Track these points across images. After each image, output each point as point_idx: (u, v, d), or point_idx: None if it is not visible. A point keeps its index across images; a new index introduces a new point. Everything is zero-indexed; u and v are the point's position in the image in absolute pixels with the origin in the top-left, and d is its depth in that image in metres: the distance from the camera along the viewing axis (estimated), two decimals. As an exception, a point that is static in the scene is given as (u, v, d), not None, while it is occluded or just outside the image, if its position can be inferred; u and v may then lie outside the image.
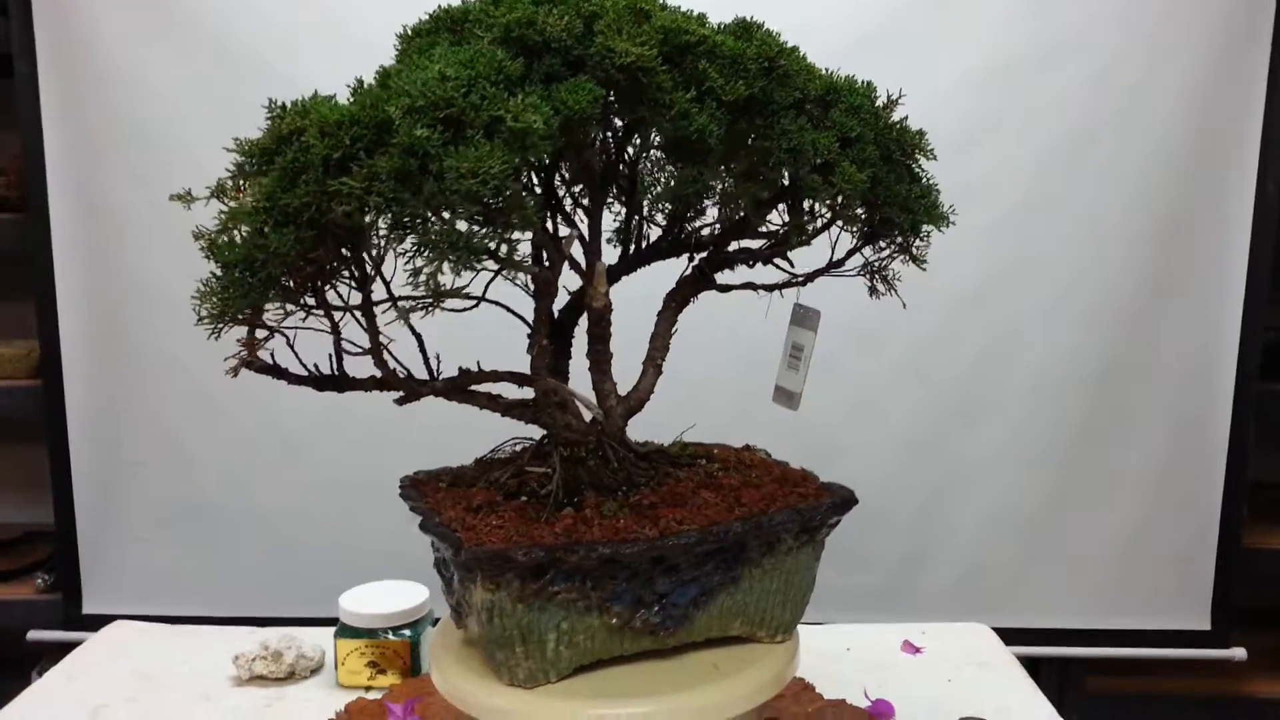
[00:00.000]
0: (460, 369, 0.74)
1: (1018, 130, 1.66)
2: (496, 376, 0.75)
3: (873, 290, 0.86)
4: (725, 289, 0.84)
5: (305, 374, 0.71)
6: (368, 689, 1.06)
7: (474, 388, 0.75)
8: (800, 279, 0.84)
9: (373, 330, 0.68)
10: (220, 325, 0.63)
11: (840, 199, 0.75)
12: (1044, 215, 1.67)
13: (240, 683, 1.07)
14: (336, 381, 0.72)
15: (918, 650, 1.13)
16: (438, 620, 1.10)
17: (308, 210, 0.59)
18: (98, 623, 1.34)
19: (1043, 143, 1.66)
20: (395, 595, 1.08)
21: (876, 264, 0.85)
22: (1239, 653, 1.79)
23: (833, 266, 0.84)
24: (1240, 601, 1.76)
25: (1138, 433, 1.72)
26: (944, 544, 1.77)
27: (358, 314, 0.68)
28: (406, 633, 1.06)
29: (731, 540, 0.71)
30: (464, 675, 0.74)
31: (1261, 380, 1.69)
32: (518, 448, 0.81)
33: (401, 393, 0.72)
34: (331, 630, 1.07)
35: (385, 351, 0.69)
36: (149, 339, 1.72)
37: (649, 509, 0.73)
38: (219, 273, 0.62)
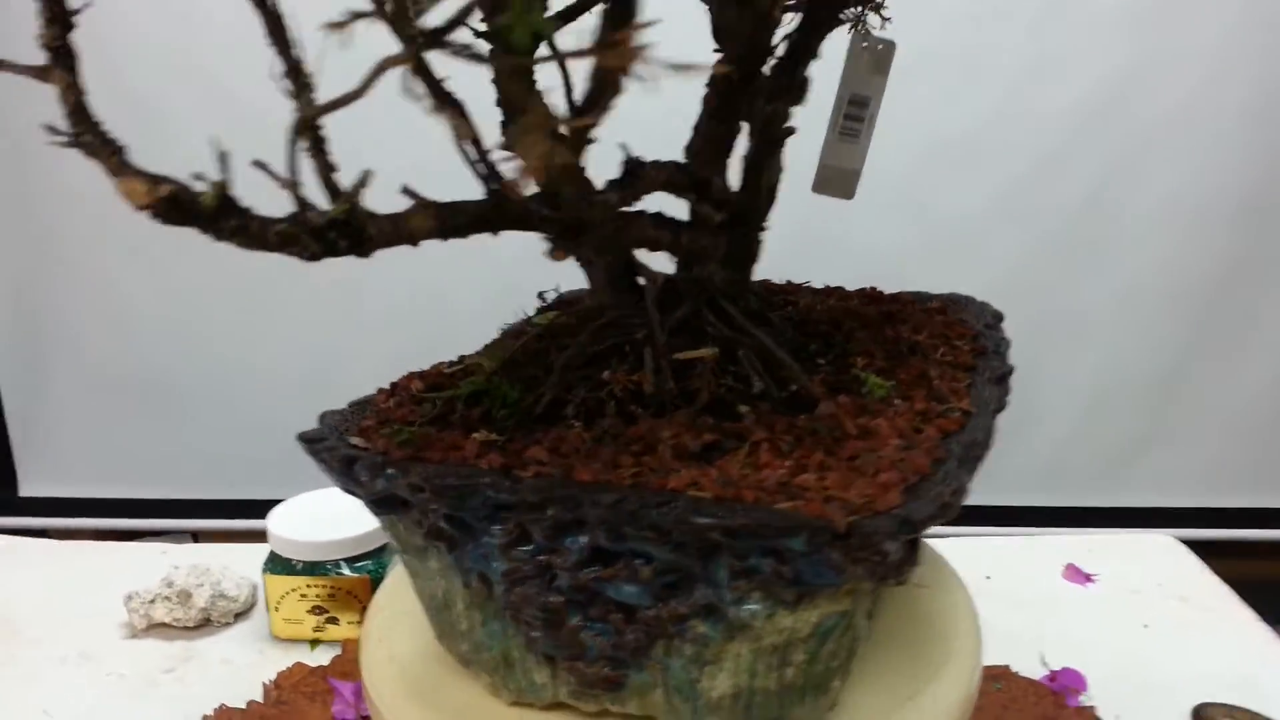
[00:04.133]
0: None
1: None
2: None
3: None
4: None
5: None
6: (313, 644, 0.72)
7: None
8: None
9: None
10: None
11: None
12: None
13: (135, 633, 0.73)
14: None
15: (1088, 579, 0.78)
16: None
17: None
18: (37, 508, 1.04)
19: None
20: (349, 510, 0.73)
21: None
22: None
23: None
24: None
25: (1273, 280, 1.34)
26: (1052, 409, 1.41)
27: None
28: (367, 565, 0.71)
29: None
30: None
31: None
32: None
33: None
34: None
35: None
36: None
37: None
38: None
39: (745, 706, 0.38)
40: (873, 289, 0.60)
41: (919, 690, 0.42)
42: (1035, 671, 0.66)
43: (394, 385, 0.46)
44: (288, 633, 0.72)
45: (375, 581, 0.71)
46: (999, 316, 0.57)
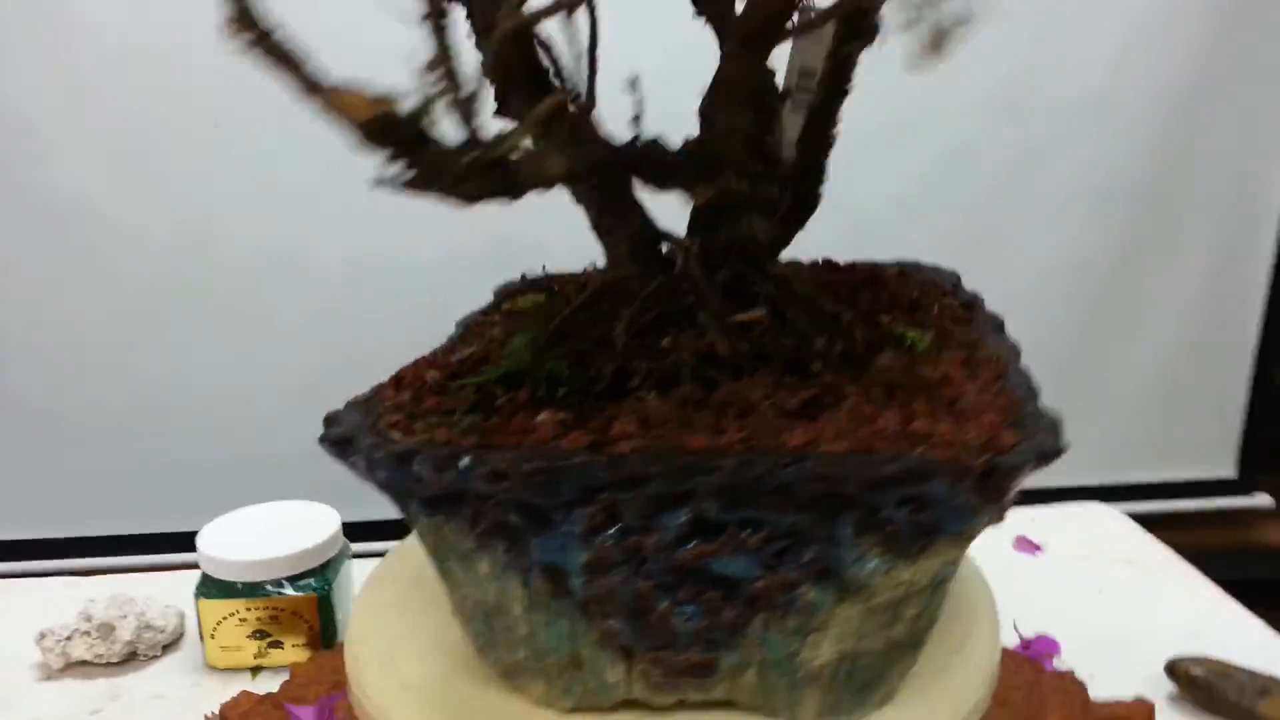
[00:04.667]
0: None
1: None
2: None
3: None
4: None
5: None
6: (254, 672, 0.67)
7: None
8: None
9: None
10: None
11: None
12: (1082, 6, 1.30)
13: (52, 674, 0.66)
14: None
15: (1037, 548, 0.78)
16: (356, 557, 0.71)
17: None
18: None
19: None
20: (288, 525, 0.68)
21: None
22: (1264, 500, 1.54)
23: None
24: (1269, 445, 1.50)
25: (1172, 257, 1.40)
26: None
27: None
28: (311, 583, 0.66)
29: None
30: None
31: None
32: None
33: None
34: (194, 582, 0.66)
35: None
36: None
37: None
38: None
39: (847, 673, 0.36)
40: (827, 260, 0.59)
41: (948, 663, 0.41)
42: (1008, 640, 0.66)
43: (398, 379, 0.41)
44: (225, 661, 0.67)
45: (322, 600, 0.66)
46: (957, 275, 0.57)
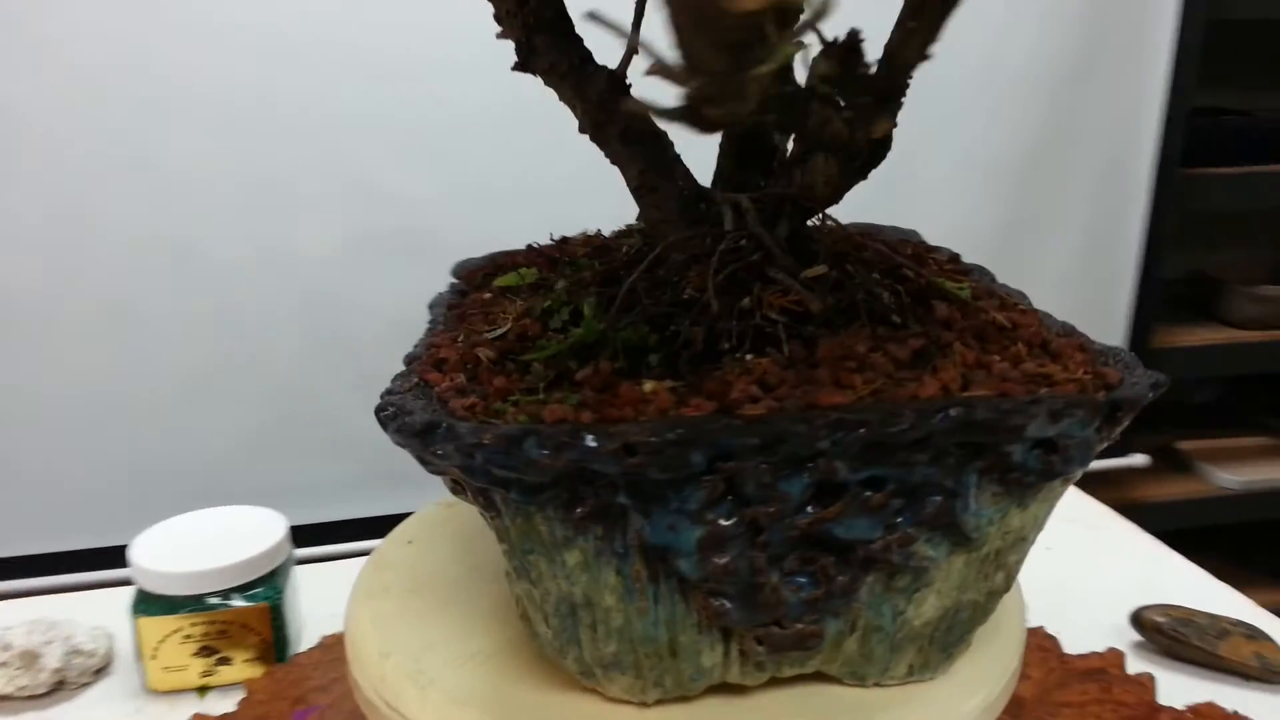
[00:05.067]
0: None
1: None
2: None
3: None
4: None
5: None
6: (201, 692, 0.62)
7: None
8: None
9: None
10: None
11: None
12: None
13: (-33, 712, 0.60)
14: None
15: (982, 513, 0.80)
16: (303, 562, 0.67)
17: None
18: None
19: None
20: (230, 531, 0.63)
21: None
22: (1140, 459, 1.63)
23: None
24: (1145, 408, 1.59)
25: (1052, 228, 1.46)
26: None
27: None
28: (261, 592, 0.62)
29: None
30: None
31: (1185, 167, 1.46)
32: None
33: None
34: (128, 599, 0.61)
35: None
36: None
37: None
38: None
39: (947, 628, 0.36)
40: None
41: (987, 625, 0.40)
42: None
43: (439, 361, 0.37)
44: (168, 683, 0.61)
45: (274, 610, 0.62)
46: (917, 233, 0.57)
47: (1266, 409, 1.82)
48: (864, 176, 0.38)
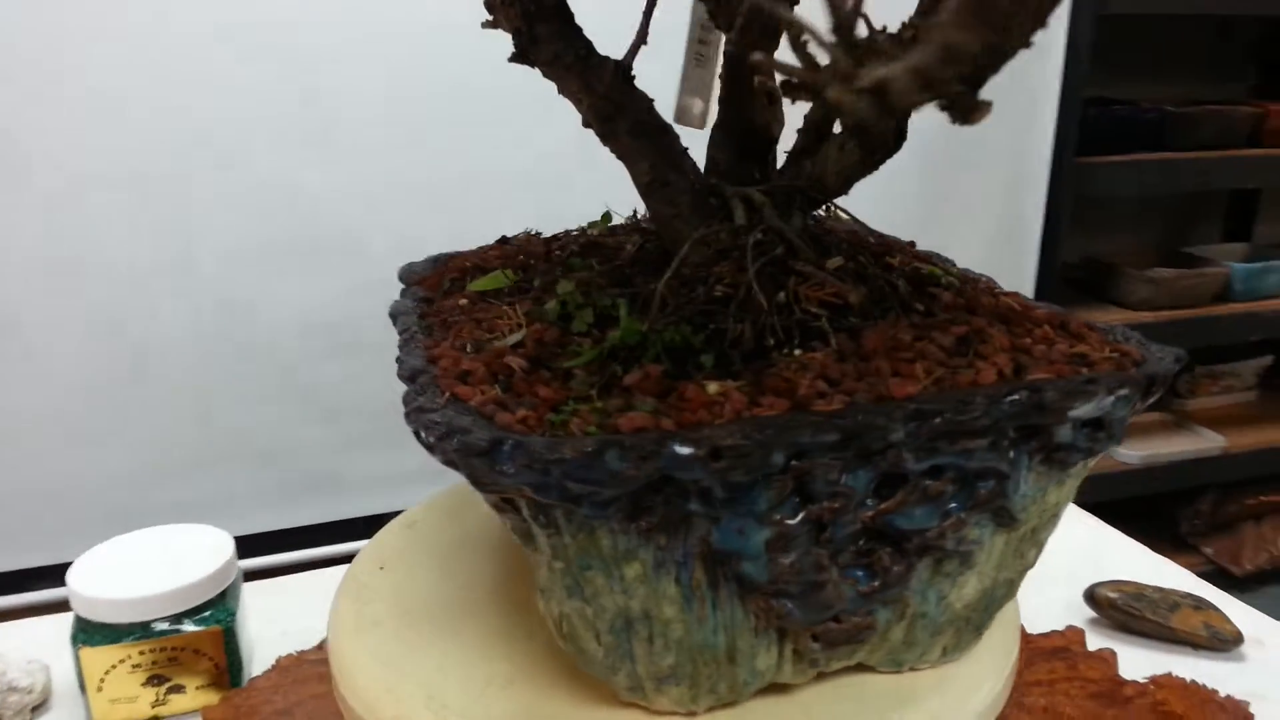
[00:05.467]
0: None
1: None
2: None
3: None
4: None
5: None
6: (154, 723, 0.58)
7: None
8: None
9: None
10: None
11: None
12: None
13: (-109, 762, 0.55)
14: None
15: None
16: (251, 578, 0.64)
17: None
18: None
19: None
20: (173, 552, 0.60)
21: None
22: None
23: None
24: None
25: (958, 216, 1.51)
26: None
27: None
28: (212, 614, 0.58)
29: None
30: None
31: (1079, 156, 1.52)
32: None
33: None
34: (63, 628, 0.57)
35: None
36: None
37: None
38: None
39: (984, 607, 0.37)
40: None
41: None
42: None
43: (462, 374, 0.35)
44: (116, 716, 0.57)
45: (227, 633, 0.59)
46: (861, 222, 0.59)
47: (1158, 386, 1.92)
48: (875, 168, 0.38)
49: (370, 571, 0.47)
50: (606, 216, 0.51)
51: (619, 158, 0.39)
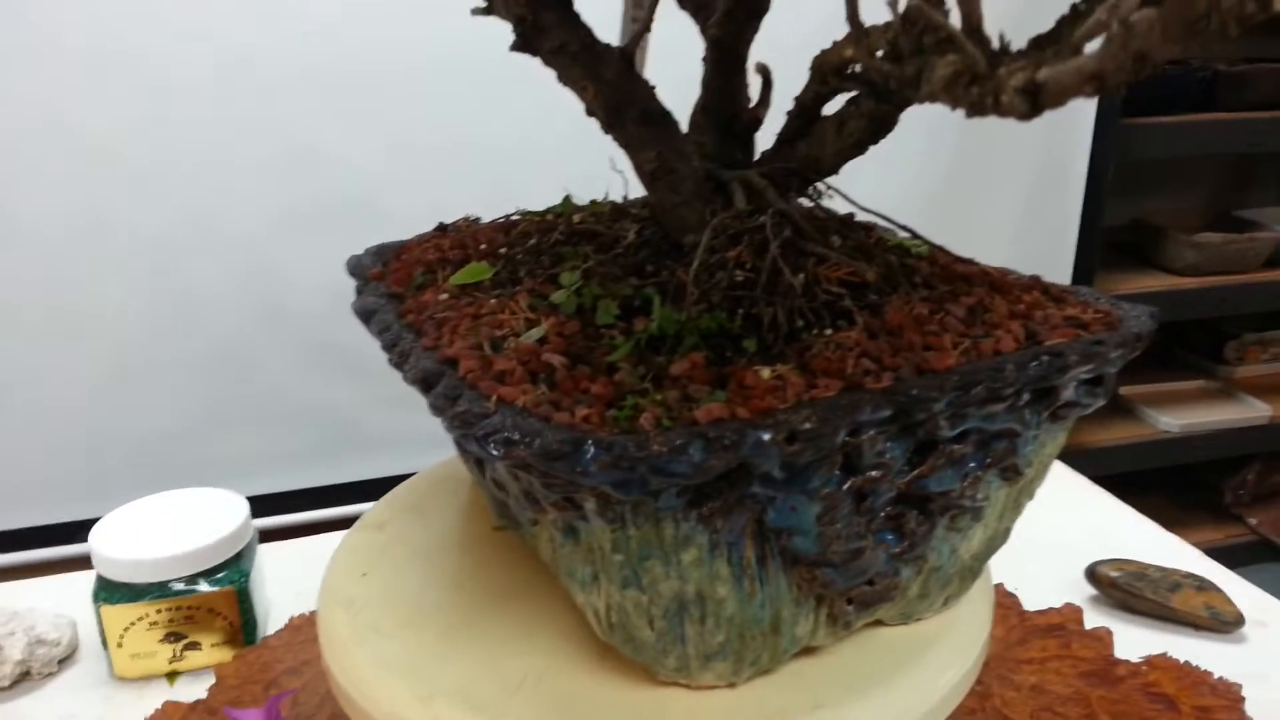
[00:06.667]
0: None
1: None
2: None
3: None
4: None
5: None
6: (170, 678, 0.61)
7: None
8: None
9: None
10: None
11: None
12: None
13: (-75, 715, 0.57)
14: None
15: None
16: (262, 536, 0.66)
17: None
18: None
19: None
20: (191, 515, 0.62)
21: None
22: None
23: None
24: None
25: (998, 179, 1.48)
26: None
27: None
28: (228, 575, 0.61)
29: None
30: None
31: (1124, 117, 1.49)
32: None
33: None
34: (88, 585, 0.60)
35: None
36: None
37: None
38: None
39: (984, 555, 0.38)
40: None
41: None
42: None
43: (500, 375, 0.33)
44: (136, 670, 0.59)
45: (241, 593, 0.61)
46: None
47: (1203, 353, 1.88)
48: (865, 150, 0.39)
49: (354, 579, 0.44)
50: (567, 201, 0.50)
51: (623, 146, 0.37)
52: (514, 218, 0.50)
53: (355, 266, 0.48)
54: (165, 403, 1.08)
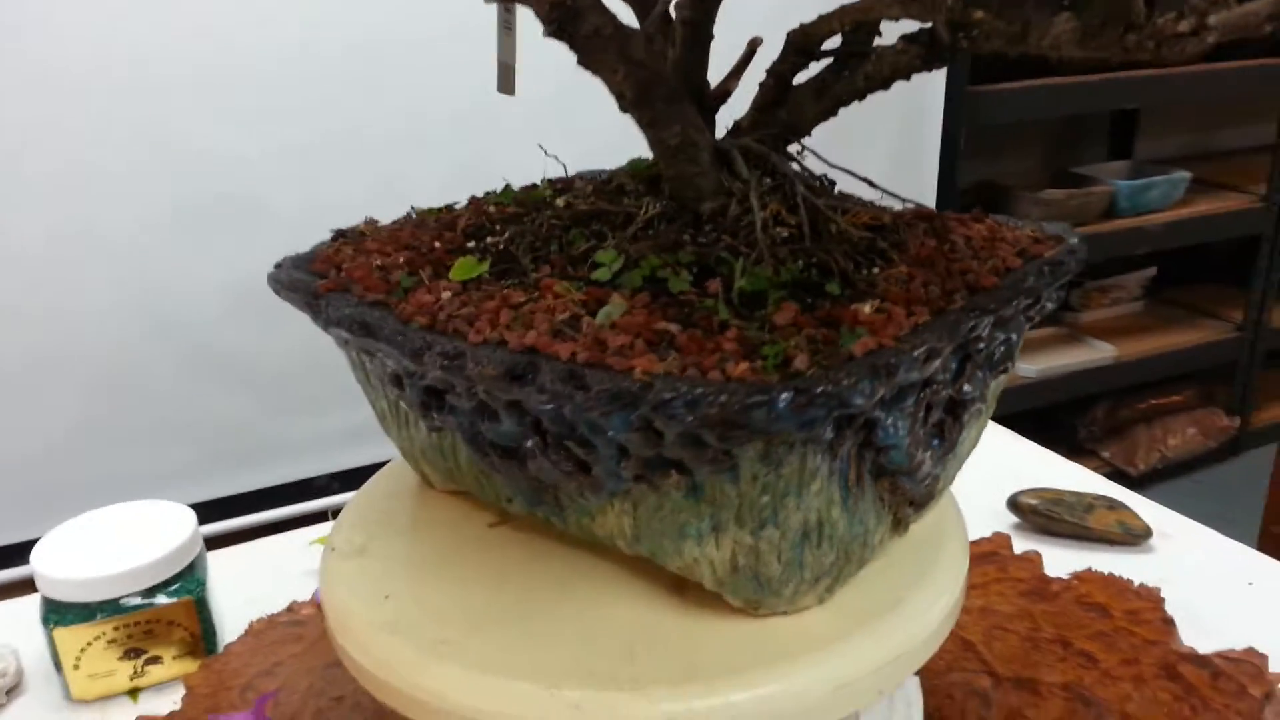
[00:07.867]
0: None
1: None
2: None
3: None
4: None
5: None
6: (133, 694, 0.59)
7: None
8: None
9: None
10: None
11: None
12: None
13: None
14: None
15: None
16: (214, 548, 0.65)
17: None
18: None
19: None
20: (138, 528, 0.60)
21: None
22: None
23: None
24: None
25: (861, 144, 1.56)
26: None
27: None
28: (185, 586, 0.59)
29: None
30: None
31: (971, 85, 1.58)
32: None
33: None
34: (30, 609, 0.57)
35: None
36: None
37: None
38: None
39: (974, 446, 0.44)
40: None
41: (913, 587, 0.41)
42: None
43: (621, 347, 0.33)
44: (95, 691, 0.56)
45: (199, 603, 0.60)
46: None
47: (1052, 302, 2.02)
48: (836, 113, 0.42)
49: (378, 605, 0.40)
50: (508, 190, 0.50)
51: (646, 125, 0.39)
52: (429, 213, 0.49)
53: (289, 281, 0.43)
54: (41, 425, 1.03)
